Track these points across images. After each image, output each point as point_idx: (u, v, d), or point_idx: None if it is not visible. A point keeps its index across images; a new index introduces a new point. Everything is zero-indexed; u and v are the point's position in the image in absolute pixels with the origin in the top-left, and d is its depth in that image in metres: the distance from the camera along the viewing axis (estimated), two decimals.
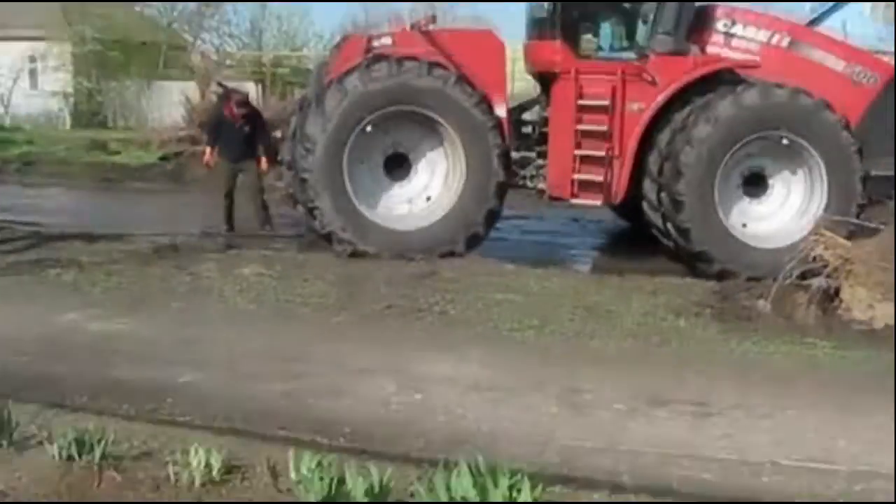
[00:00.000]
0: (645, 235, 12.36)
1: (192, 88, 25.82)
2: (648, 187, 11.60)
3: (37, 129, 29.59)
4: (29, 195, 17.44)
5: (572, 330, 8.34)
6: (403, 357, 7.52)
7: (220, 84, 22.39)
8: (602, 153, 11.45)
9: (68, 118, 33.40)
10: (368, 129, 11.23)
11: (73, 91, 33.67)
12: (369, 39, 11.70)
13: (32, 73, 35.73)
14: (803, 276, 9.12)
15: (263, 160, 13.30)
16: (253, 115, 13.43)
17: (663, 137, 11.40)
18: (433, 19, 12.23)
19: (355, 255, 11.14)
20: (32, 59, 35.52)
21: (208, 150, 13.60)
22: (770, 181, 11.62)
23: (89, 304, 8.81)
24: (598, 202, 11.88)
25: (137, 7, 35.45)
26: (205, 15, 35.53)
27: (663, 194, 11.32)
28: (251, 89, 25.82)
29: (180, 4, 35.28)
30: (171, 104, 27.15)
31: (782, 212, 11.57)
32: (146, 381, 6.72)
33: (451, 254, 11.23)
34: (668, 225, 11.40)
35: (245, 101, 13.54)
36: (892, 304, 8.54)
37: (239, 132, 13.13)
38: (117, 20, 34.00)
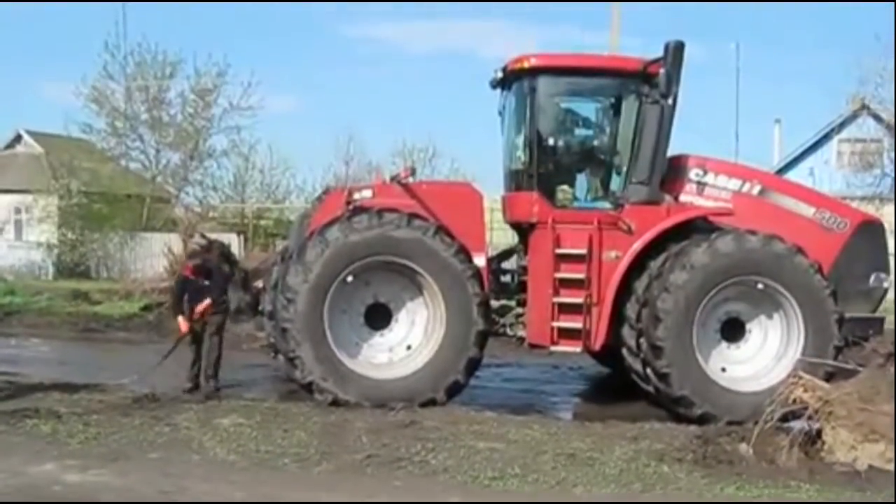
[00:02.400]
0: (625, 381, 12.40)
1: (175, 240, 26.06)
2: (627, 333, 11.70)
3: (19, 279, 29.64)
4: (10, 346, 17.37)
5: (555, 478, 8.26)
6: None
7: (202, 235, 22.63)
8: (580, 300, 11.61)
9: (51, 269, 33.51)
10: (349, 279, 11.36)
11: (57, 242, 33.89)
12: (350, 192, 11.93)
13: (17, 225, 36.07)
14: (784, 418, 9.15)
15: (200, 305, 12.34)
16: (207, 269, 12.70)
17: (640, 284, 11.57)
18: (412, 172, 12.51)
19: (336, 404, 11.06)
20: (18, 211, 35.92)
21: (180, 318, 12.65)
22: (747, 325, 11.75)
23: (67, 455, 8.68)
24: (578, 349, 12.00)
25: (123, 162, 36.02)
26: (189, 168, 36.11)
27: (642, 340, 11.40)
28: (234, 241, 26.18)
29: (164, 158, 35.89)
30: (153, 255, 27.40)
31: (760, 355, 11.67)
32: None
33: (432, 402, 11.18)
34: (647, 370, 11.45)
35: (201, 254, 13.21)
36: (875, 446, 8.55)
37: (199, 287, 12.51)
38: (103, 174, 34.52)
